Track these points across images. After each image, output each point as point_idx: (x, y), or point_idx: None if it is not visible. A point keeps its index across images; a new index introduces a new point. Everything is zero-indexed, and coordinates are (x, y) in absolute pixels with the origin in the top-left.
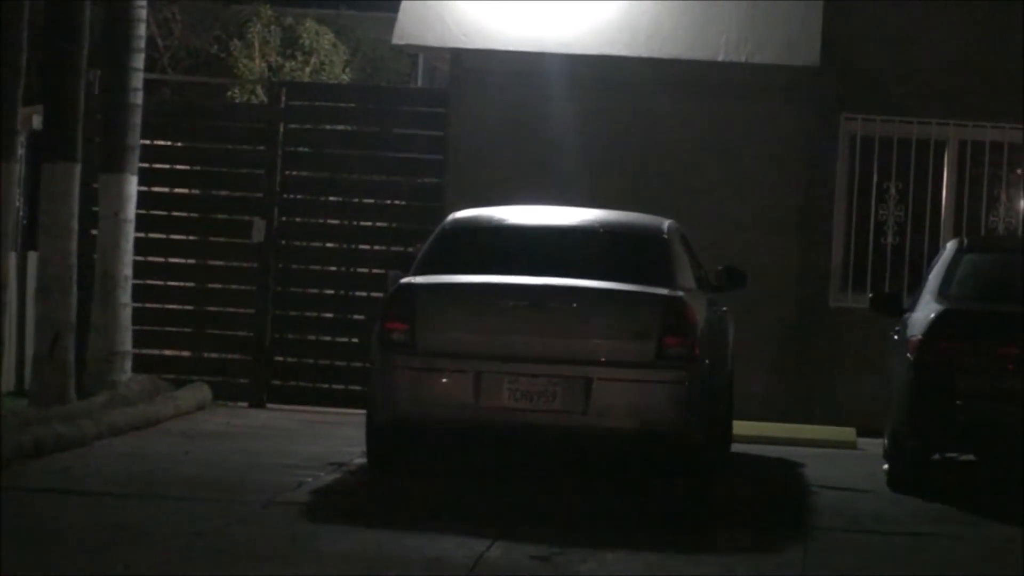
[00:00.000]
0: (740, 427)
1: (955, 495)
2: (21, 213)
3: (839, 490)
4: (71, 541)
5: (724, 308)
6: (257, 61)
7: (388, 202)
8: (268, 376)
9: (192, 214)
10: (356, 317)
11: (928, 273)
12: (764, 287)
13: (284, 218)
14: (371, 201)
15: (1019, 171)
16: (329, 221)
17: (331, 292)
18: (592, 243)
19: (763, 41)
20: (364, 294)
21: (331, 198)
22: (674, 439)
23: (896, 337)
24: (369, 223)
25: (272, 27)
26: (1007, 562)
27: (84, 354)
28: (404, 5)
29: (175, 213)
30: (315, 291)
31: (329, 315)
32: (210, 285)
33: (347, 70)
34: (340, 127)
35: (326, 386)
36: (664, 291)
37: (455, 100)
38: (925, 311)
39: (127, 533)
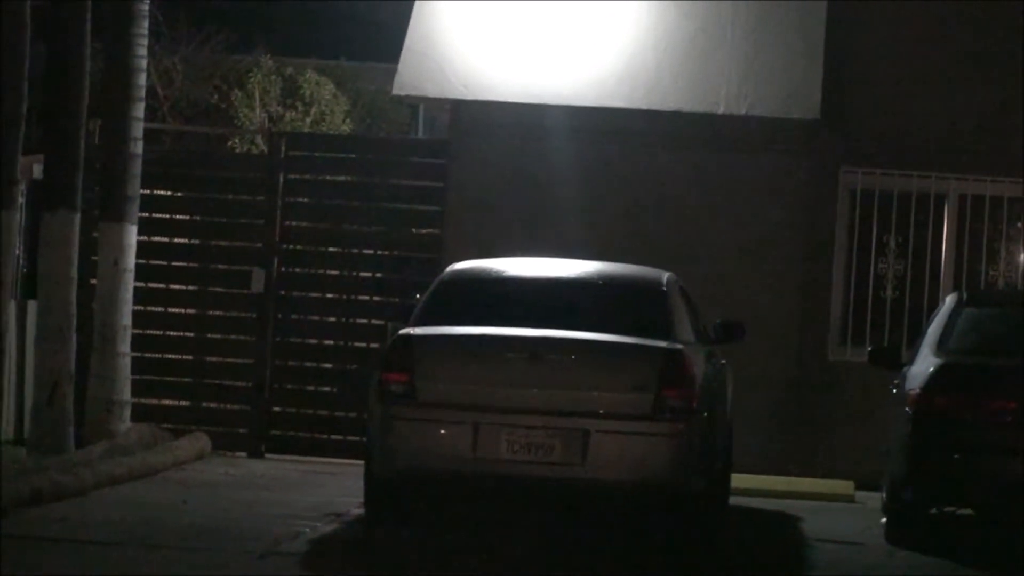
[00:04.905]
0: (739, 480)
1: (953, 549)
2: (21, 262)
3: (837, 543)
4: None
5: (723, 361)
6: (257, 111)
7: (387, 253)
8: (267, 426)
9: (191, 264)
10: (355, 367)
11: (927, 327)
12: (764, 340)
13: (283, 268)
14: (370, 252)
15: (1019, 225)
16: (328, 272)
17: (330, 342)
18: (591, 295)
19: (763, 94)
20: (363, 345)
21: (330, 249)
22: (672, 492)
23: (895, 391)
24: (368, 274)
25: (273, 77)
26: None
27: (83, 403)
28: (404, 56)
29: (175, 263)
30: (314, 341)
31: (328, 365)
32: (209, 335)
33: (347, 120)
34: (340, 178)
35: (325, 436)
36: (663, 344)
37: (455, 151)
38: (924, 365)
39: None
